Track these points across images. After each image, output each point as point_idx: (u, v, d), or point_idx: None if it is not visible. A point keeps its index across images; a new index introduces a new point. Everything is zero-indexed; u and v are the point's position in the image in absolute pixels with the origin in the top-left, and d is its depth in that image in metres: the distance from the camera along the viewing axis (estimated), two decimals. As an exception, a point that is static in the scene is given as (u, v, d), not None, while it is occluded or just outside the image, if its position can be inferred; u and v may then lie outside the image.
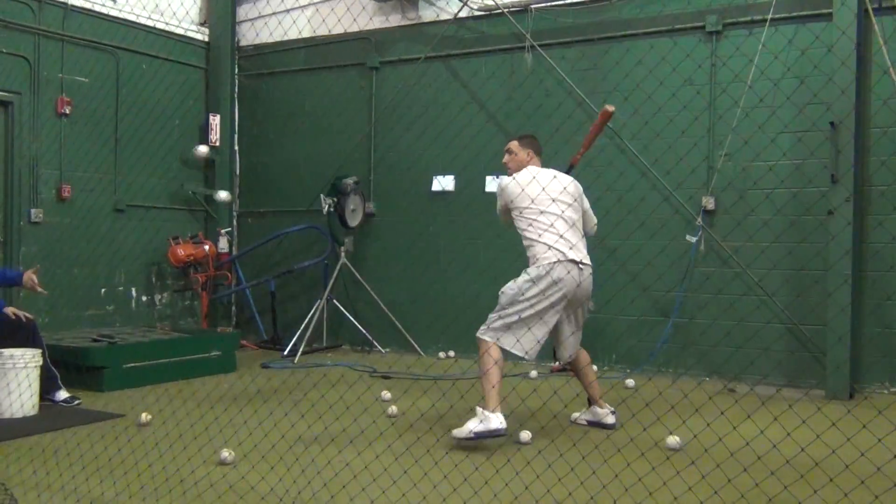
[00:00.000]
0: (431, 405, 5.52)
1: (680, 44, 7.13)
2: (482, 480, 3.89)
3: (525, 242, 4.92)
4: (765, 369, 6.75)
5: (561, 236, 4.81)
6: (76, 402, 5.71)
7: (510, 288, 4.81)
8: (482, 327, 4.83)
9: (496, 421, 4.52)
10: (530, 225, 4.86)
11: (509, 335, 4.74)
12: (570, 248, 4.80)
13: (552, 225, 4.83)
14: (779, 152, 6.76)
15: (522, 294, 4.74)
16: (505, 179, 5.08)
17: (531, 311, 4.73)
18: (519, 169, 5.11)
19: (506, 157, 5.22)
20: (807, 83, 6.60)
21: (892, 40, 6.19)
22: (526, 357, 4.82)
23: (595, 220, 5.30)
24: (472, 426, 4.54)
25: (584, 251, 4.96)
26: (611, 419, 5.14)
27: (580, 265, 4.83)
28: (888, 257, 6.35)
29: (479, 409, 4.61)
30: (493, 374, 4.65)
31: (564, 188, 4.97)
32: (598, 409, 5.17)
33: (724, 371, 6.89)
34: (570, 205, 4.96)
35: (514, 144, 5.22)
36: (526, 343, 4.74)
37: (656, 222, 7.23)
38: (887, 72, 5.96)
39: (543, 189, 4.83)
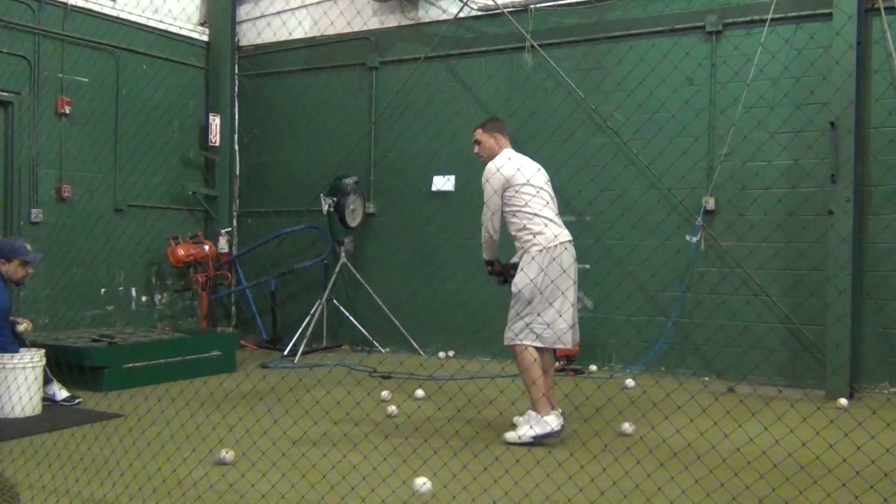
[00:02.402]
0: (439, 405, 5.51)
1: (680, 44, 7.13)
2: (482, 480, 3.89)
3: (522, 219, 4.77)
4: (765, 369, 6.74)
5: (553, 217, 4.86)
6: (76, 401, 5.71)
7: (524, 284, 4.67)
8: (508, 333, 4.73)
9: (553, 423, 4.58)
10: (527, 204, 4.77)
11: (539, 333, 4.66)
12: (562, 228, 4.87)
13: (547, 205, 4.84)
14: (779, 152, 6.75)
15: (538, 287, 4.65)
16: (491, 164, 4.90)
17: (548, 303, 4.66)
18: (492, 156, 4.97)
19: (476, 148, 5.07)
20: (806, 83, 6.60)
21: (893, 41, 6.19)
22: (564, 345, 4.77)
23: None
24: (531, 431, 4.59)
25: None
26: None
27: (572, 243, 4.90)
28: (889, 258, 6.34)
29: (532, 413, 4.63)
30: (536, 377, 4.61)
31: (540, 169, 4.97)
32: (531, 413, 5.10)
33: (724, 371, 6.89)
34: (549, 188, 4.99)
35: (478, 133, 5.07)
36: (552, 336, 4.67)
37: (656, 222, 7.22)
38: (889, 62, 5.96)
39: (533, 174, 4.85)
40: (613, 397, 5.49)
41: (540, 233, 4.73)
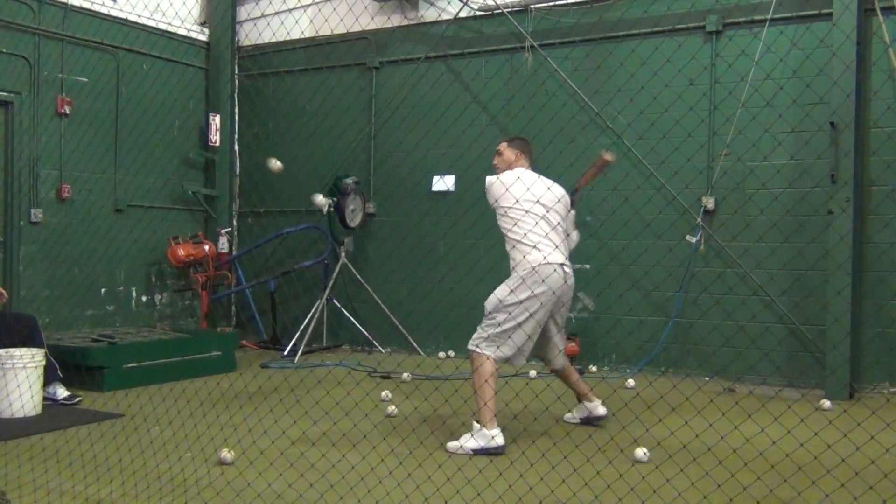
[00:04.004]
0: (440, 403, 5.51)
1: (680, 44, 7.13)
2: (483, 480, 3.89)
3: (508, 244, 4.87)
4: (765, 369, 6.75)
5: (545, 236, 4.80)
6: (76, 399, 5.71)
7: (493, 300, 4.79)
8: (473, 339, 4.78)
9: (492, 438, 4.50)
10: (515, 225, 4.82)
11: (499, 346, 4.69)
12: (554, 250, 4.79)
13: (536, 225, 4.79)
14: (779, 152, 6.75)
15: (504, 305, 4.71)
16: (490, 179, 5.02)
17: (514, 322, 4.68)
18: (506, 169, 5.07)
19: (495, 159, 5.20)
20: (806, 82, 6.60)
21: (893, 41, 6.19)
22: (516, 364, 4.84)
23: (577, 235, 5.31)
24: (470, 443, 4.51)
25: (566, 254, 4.95)
26: (602, 410, 5.19)
27: (563, 267, 4.83)
28: (889, 258, 6.35)
29: (475, 424, 4.57)
30: (487, 390, 4.59)
31: (549, 189, 4.92)
32: (589, 403, 5.20)
33: (725, 371, 6.89)
34: (552, 207, 4.91)
35: (502, 146, 5.21)
36: (514, 354, 4.74)
37: (657, 222, 7.22)
38: (890, 74, 5.96)
39: (528, 189, 4.82)
40: (612, 397, 5.49)
41: (520, 261, 4.78)
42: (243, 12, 9.48)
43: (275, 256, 9.15)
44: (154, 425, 5.07)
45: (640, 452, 4.33)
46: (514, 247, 4.83)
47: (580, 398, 5.24)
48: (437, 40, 8.21)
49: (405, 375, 6.78)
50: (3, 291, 5.90)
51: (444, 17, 8.26)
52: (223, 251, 9.01)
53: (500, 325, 4.70)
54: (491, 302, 4.79)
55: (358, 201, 8.49)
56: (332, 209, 8.28)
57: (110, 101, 8.22)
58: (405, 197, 8.52)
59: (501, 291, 4.77)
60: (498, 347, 4.68)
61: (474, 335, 4.80)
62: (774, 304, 6.73)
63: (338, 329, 8.71)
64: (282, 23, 9.07)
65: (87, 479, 3.91)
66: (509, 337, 4.67)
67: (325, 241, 8.57)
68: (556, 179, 5.17)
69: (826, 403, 5.76)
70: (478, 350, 4.72)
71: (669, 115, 7.16)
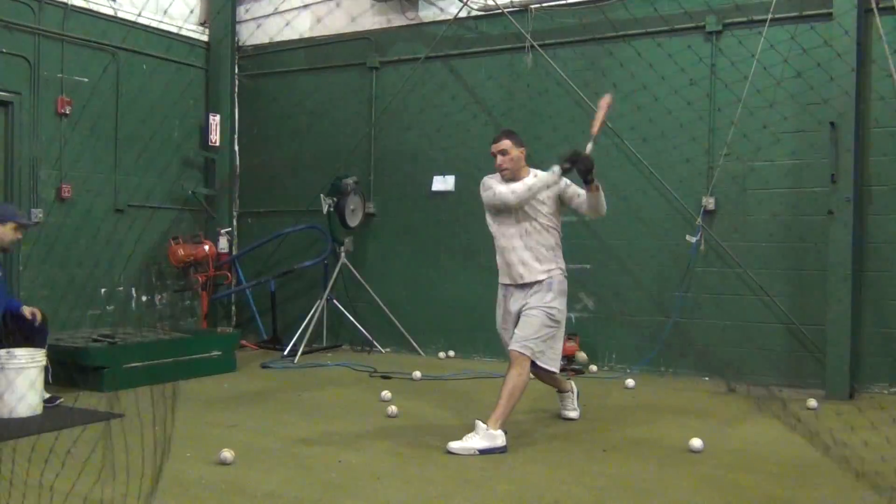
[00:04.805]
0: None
1: (680, 44, 7.13)
2: (482, 480, 3.89)
3: (554, 242, 4.87)
4: (765, 369, 6.75)
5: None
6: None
7: (562, 305, 4.80)
8: (525, 343, 4.66)
9: (502, 438, 4.49)
10: (558, 230, 4.95)
11: (546, 352, 4.75)
12: None
13: None
14: (779, 153, 6.76)
15: (561, 313, 4.82)
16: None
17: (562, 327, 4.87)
18: (519, 170, 4.79)
19: (500, 159, 4.76)
20: (806, 82, 6.60)
21: (893, 41, 6.19)
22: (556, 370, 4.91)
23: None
24: (476, 443, 4.42)
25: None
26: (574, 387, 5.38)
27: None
28: (888, 257, 6.35)
29: (482, 426, 4.46)
30: (520, 396, 4.65)
31: None
32: (568, 393, 5.31)
33: (725, 371, 6.89)
34: None
35: (507, 143, 4.76)
36: (557, 357, 4.87)
37: (657, 222, 7.23)
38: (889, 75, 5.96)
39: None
40: (612, 397, 5.50)
41: (561, 257, 4.91)
42: (243, 12, 9.47)
43: (275, 256, 9.15)
44: (152, 426, 5.06)
45: (697, 442, 4.34)
46: (557, 248, 4.88)
47: (561, 391, 5.33)
48: (437, 40, 8.20)
49: (416, 374, 6.79)
50: (38, 312, 5.70)
51: (444, 17, 8.25)
52: (223, 251, 9.01)
53: (550, 335, 4.75)
54: (562, 312, 4.80)
55: (358, 201, 8.48)
56: (331, 209, 8.27)
57: (110, 101, 8.22)
58: (405, 197, 8.52)
59: (563, 302, 4.81)
60: (537, 356, 4.70)
61: (526, 341, 4.66)
62: (774, 304, 6.73)
63: (338, 329, 8.71)
64: (282, 23, 9.07)
65: (88, 479, 3.91)
66: (546, 346, 4.74)
67: (324, 241, 8.57)
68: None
69: (812, 402, 5.73)
70: (525, 353, 4.66)
71: (670, 115, 7.16)
